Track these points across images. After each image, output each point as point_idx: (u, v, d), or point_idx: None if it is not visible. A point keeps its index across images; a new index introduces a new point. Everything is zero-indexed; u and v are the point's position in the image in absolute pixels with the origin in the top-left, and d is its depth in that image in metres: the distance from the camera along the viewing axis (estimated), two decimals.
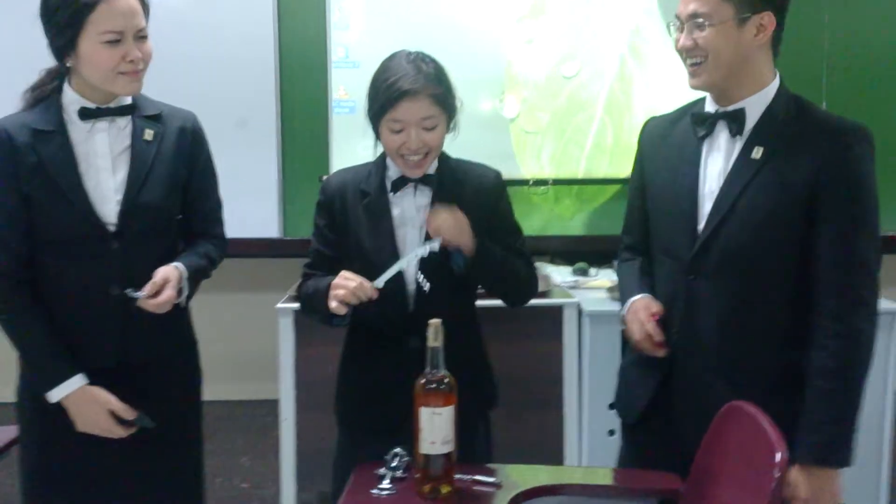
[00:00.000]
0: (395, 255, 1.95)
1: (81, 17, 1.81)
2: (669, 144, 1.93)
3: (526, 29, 4.11)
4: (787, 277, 1.79)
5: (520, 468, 1.95)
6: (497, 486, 1.77)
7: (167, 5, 4.05)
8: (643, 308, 1.88)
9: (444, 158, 2.02)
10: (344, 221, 2.01)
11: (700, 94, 1.91)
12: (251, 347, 4.20)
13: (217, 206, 2.10)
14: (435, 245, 1.83)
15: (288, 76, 4.20)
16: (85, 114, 1.90)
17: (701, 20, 1.75)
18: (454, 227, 1.85)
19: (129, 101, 1.94)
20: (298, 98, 4.21)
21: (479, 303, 2.11)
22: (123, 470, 1.94)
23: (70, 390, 1.86)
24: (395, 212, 1.99)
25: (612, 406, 2.15)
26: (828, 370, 1.73)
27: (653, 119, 2.05)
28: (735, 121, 1.81)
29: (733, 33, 1.75)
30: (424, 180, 1.98)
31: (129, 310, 1.88)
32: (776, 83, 1.83)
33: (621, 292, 2.02)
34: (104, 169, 1.90)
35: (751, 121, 1.81)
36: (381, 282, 1.83)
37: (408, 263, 1.86)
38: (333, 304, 1.82)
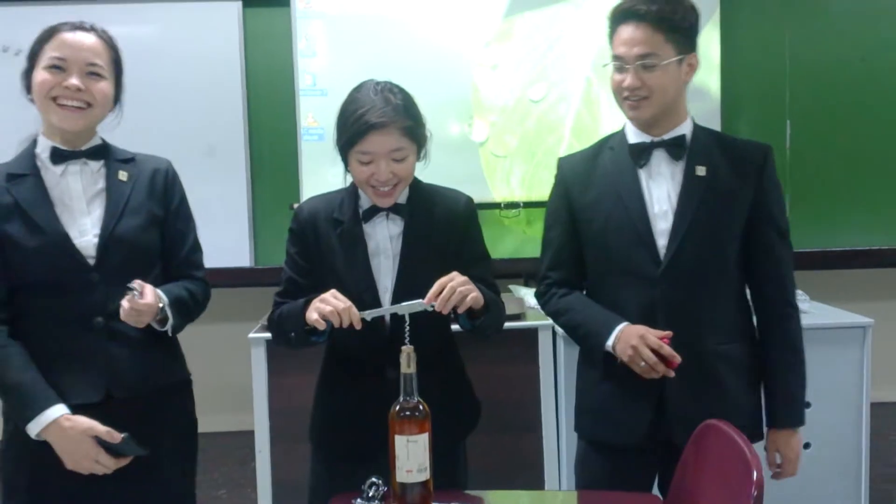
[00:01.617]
0: (370, 285, 1.94)
1: (38, 49, 1.87)
2: (601, 177, 2.06)
3: (492, 54, 4.15)
4: (734, 272, 2.02)
5: (499, 494, 1.94)
6: None
7: (133, 36, 4.03)
8: (647, 332, 1.91)
9: (415, 185, 2.01)
10: (318, 249, 1.99)
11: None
12: (224, 378, 4.16)
13: (196, 249, 2.07)
14: (432, 307, 1.79)
15: (255, 105, 4.20)
16: (56, 155, 1.90)
17: (650, 61, 1.92)
18: (458, 295, 1.79)
19: (99, 142, 1.95)
20: (267, 127, 4.21)
21: (454, 327, 2.10)
22: None
23: (49, 420, 1.80)
24: (369, 241, 1.97)
25: (582, 431, 2.13)
26: (790, 345, 2.02)
27: (567, 158, 2.17)
28: (675, 146, 2.01)
29: (675, 72, 1.95)
30: (396, 210, 1.97)
31: (115, 340, 1.86)
32: (690, 115, 2.06)
33: (591, 323, 2.02)
34: (79, 210, 1.89)
35: (686, 145, 2.02)
36: (369, 315, 1.81)
37: (403, 312, 1.80)
38: (314, 317, 1.79)
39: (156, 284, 1.93)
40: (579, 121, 4.10)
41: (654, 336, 1.90)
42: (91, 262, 1.87)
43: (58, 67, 1.85)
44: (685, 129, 2.02)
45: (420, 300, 1.79)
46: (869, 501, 2.93)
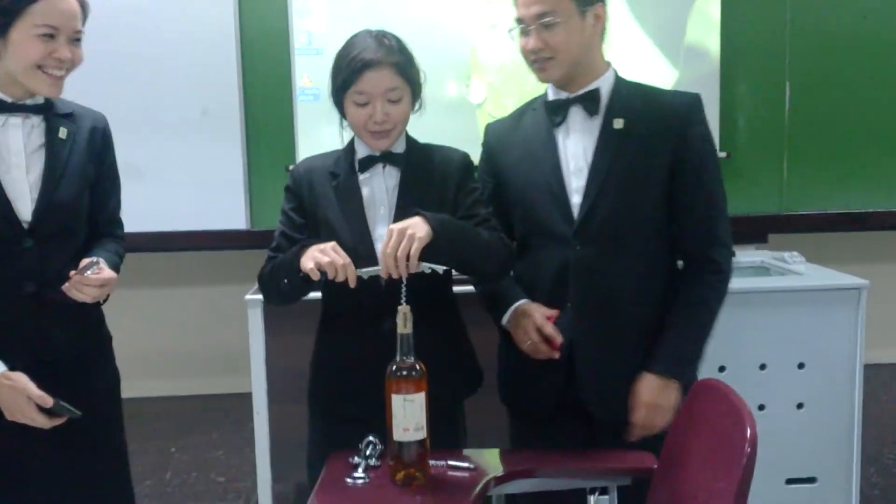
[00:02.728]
0: (365, 235, 1.93)
1: (22, 5, 1.78)
2: (520, 139, 2.04)
3: (491, 13, 4.10)
4: (657, 231, 1.95)
5: (494, 452, 1.95)
6: (472, 470, 1.77)
7: None
8: (535, 311, 1.91)
9: (411, 141, 2.02)
10: (313, 204, 1.99)
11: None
12: (222, 341, 4.17)
13: (118, 206, 2.09)
14: (433, 267, 1.77)
15: (250, 65, 4.16)
16: None
17: (549, 20, 1.86)
18: (400, 242, 1.72)
19: (42, 99, 1.91)
20: (262, 87, 4.18)
21: (454, 289, 2.10)
22: (45, 473, 1.92)
23: None
24: (365, 192, 1.97)
25: (504, 399, 2.15)
26: (697, 299, 1.92)
27: (493, 123, 2.16)
28: (590, 101, 1.95)
29: (577, 27, 1.89)
30: (392, 160, 1.96)
31: (44, 306, 1.86)
32: (611, 67, 2.00)
33: (500, 296, 2.03)
34: (17, 166, 1.86)
35: (603, 99, 1.96)
36: (365, 273, 1.80)
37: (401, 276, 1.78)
38: (310, 265, 1.76)
39: (85, 244, 1.96)
40: None
41: (541, 315, 1.90)
42: (26, 226, 1.85)
43: (49, 36, 1.80)
44: (601, 82, 1.97)
45: (424, 265, 1.77)
46: (861, 462, 2.95)
